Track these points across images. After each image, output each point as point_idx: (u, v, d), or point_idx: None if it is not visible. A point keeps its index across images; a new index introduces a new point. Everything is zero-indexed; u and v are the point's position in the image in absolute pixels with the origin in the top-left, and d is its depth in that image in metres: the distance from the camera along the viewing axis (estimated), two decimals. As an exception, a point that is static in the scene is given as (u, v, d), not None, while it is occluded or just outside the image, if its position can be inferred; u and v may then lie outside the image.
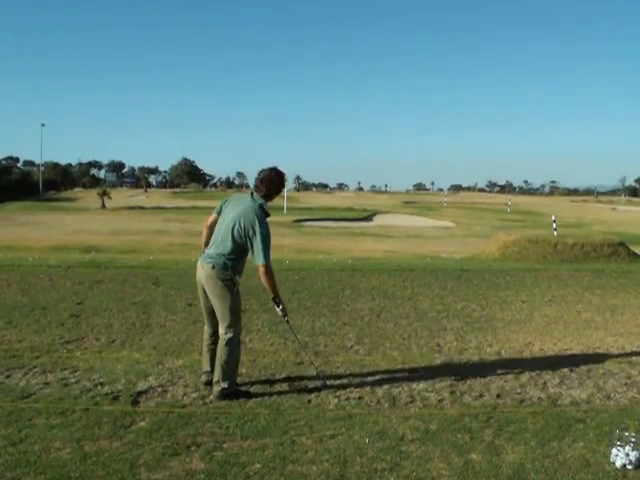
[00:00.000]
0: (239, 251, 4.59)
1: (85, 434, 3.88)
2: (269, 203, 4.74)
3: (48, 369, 5.26)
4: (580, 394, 4.85)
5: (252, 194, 4.71)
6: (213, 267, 4.58)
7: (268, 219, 4.65)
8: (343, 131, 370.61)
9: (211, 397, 4.59)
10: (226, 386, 4.56)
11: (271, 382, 5.03)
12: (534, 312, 8.36)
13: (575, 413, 4.41)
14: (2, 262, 13.36)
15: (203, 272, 4.64)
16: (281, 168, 4.80)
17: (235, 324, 4.60)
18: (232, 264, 4.58)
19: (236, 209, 4.64)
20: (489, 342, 6.57)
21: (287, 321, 4.88)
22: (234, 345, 4.61)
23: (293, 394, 4.71)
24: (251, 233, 4.50)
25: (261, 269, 4.53)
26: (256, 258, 4.53)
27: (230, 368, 4.59)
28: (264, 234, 4.51)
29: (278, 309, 4.74)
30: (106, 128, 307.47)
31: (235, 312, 4.60)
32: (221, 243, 4.62)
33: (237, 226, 4.54)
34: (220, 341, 4.65)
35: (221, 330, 4.64)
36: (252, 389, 4.83)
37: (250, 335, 6.43)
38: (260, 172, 4.74)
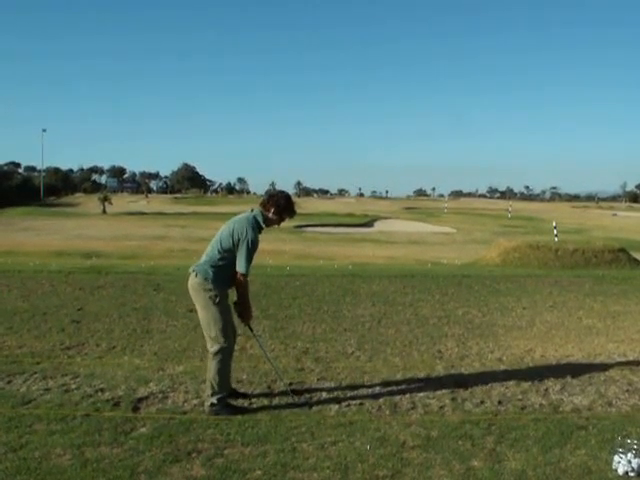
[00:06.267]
0: (224, 258, 4.48)
1: (86, 440, 3.87)
2: (275, 226, 4.70)
3: (49, 375, 5.25)
4: (582, 401, 4.84)
5: (252, 209, 4.67)
6: (196, 275, 4.52)
7: (260, 235, 4.57)
8: (344, 137, 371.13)
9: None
10: (215, 401, 4.43)
11: (272, 388, 5.02)
12: (535, 318, 8.35)
13: (577, 420, 4.40)
14: (3, 267, 13.38)
15: (189, 281, 4.60)
16: (293, 198, 4.72)
17: (219, 337, 4.45)
18: (215, 271, 4.47)
19: (232, 219, 4.64)
20: (490, 348, 6.56)
21: (250, 328, 4.79)
22: (220, 359, 4.46)
23: (294, 400, 4.70)
24: (239, 239, 4.43)
25: (239, 276, 4.46)
26: (238, 264, 4.45)
27: (218, 383, 4.45)
28: (249, 244, 4.42)
29: (235, 314, 4.63)
30: (107, 133, 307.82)
31: (219, 325, 4.45)
32: (210, 250, 4.57)
33: (227, 231, 4.51)
34: (208, 354, 4.57)
35: (207, 344, 4.57)
36: (253, 392, 4.83)
37: (251, 341, 6.42)
38: (273, 192, 4.70)
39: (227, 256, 4.47)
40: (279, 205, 4.58)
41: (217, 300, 4.45)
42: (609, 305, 9.56)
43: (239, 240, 4.43)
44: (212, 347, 4.48)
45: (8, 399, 4.61)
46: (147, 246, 28.36)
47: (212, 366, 4.46)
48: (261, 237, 4.62)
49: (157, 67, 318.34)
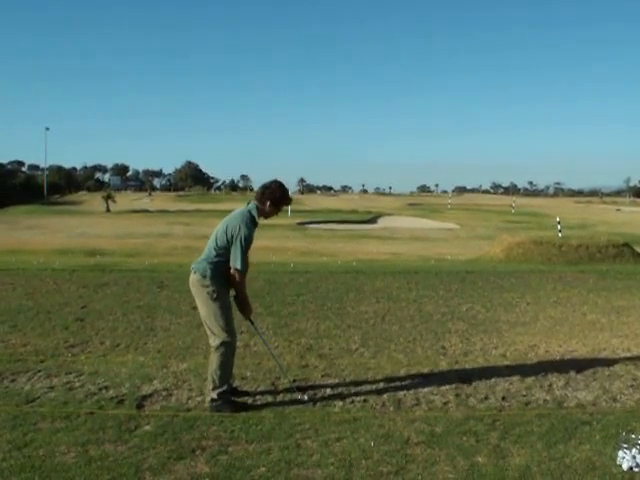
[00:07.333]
0: (220, 255, 4.49)
1: (90, 438, 3.88)
2: (269, 218, 4.72)
3: (53, 373, 5.27)
4: (586, 396, 4.83)
5: (249, 202, 4.69)
6: (195, 272, 4.55)
7: (255, 229, 4.58)
8: (347, 134, 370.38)
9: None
10: (215, 397, 4.45)
11: (276, 385, 5.02)
12: (539, 314, 8.33)
13: (581, 415, 4.39)
14: (7, 266, 13.41)
15: (190, 279, 4.62)
16: (286, 185, 4.74)
17: (221, 333, 4.47)
18: (212, 268, 4.48)
19: (228, 216, 4.66)
20: (494, 344, 6.55)
21: (252, 322, 4.81)
22: (222, 353, 4.47)
23: (298, 397, 4.70)
24: (233, 236, 4.45)
25: (233, 271, 4.47)
26: (233, 260, 4.47)
27: (219, 378, 4.47)
28: (242, 240, 4.43)
29: (236, 308, 4.66)
30: (110, 132, 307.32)
31: (220, 321, 4.47)
32: (207, 248, 4.60)
33: (222, 227, 4.54)
34: (210, 349, 4.59)
35: (209, 339, 4.58)
36: (257, 389, 4.84)
37: (255, 338, 6.42)
38: (265, 183, 4.70)
39: (223, 253, 4.50)
40: (275, 197, 4.60)
41: (215, 296, 4.48)
42: (613, 300, 9.54)
43: (232, 237, 4.46)
44: (214, 341, 4.51)
45: (12, 397, 4.63)
46: (151, 244, 28.37)
47: (214, 360, 4.49)
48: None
49: (160, 65, 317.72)
